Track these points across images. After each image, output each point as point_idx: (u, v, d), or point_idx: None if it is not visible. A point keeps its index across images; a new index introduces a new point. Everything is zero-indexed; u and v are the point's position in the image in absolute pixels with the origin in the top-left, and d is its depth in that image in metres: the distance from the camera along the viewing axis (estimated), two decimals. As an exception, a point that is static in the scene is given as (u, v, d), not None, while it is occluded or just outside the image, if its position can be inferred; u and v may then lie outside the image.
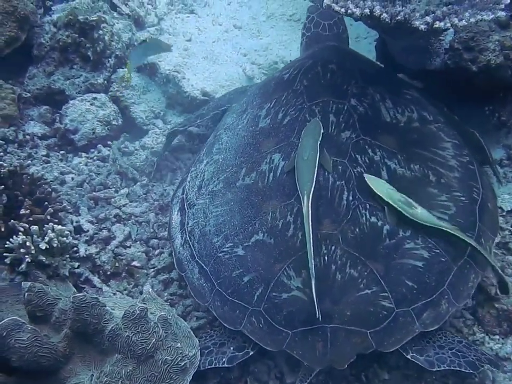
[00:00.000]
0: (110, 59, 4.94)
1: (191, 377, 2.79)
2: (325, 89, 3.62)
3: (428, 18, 2.99)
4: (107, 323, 2.73)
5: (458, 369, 2.87)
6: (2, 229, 3.31)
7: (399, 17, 3.02)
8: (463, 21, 2.95)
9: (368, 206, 3.10)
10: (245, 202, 3.28)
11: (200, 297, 3.21)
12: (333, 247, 2.99)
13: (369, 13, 3.06)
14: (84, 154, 4.56)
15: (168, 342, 2.77)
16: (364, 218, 3.07)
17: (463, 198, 3.25)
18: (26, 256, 3.22)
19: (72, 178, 4.28)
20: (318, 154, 3.19)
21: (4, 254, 3.24)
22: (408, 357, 2.91)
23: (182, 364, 2.75)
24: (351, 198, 3.14)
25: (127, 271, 3.69)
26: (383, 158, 3.28)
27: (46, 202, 3.56)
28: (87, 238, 3.78)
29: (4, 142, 4.39)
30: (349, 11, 3.08)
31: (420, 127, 3.52)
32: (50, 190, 3.70)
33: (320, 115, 3.46)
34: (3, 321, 2.52)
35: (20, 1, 4.70)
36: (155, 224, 4.01)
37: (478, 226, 3.20)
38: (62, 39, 4.79)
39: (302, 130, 3.36)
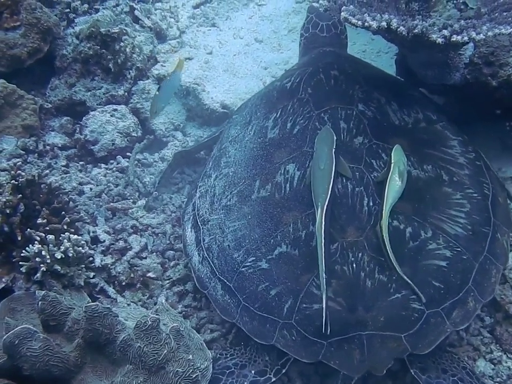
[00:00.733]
0: (130, 71, 4.98)
1: (202, 390, 2.78)
2: (330, 96, 3.60)
3: (445, 32, 2.97)
4: (119, 333, 2.73)
5: None
6: (19, 238, 3.32)
7: (416, 31, 3.01)
8: (481, 34, 2.92)
9: None
10: (263, 215, 3.24)
11: (227, 314, 3.15)
12: (360, 254, 2.99)
13: (386, 26, 3.05)
14: (103, 165, 4.61)
15: (180, 353, 2.75)
16: None
17: (476, 195, 3.29)
18: (41, 265, 3.23)
19: (91, 189, 4.31)
20: (334, 162, 3.16)
21: (20, 263, 3.26)
22: (412, 371, 2.91)
23: (194, 376, 2.73)
24: (371, 203, 3.13)
25: (142, 282, 3.69)
26: None
27: (63, 212, 3.57)
28: (103, 249, 3.77)
29: (24, 152, 4.45)
30: (366, 24, 3.07)
31: (427, 127, 3.54)
32: (67, 199, 3.71)
33: (330, 122, 3.44)
34: (15, 329, 2.54)
35: (43, 14, 4.78)
36: (171, 236, 3.99)
37: (493, 221, 3.24)
38: (84, 50, 4.84)
39: (314, 139, 3.33)
